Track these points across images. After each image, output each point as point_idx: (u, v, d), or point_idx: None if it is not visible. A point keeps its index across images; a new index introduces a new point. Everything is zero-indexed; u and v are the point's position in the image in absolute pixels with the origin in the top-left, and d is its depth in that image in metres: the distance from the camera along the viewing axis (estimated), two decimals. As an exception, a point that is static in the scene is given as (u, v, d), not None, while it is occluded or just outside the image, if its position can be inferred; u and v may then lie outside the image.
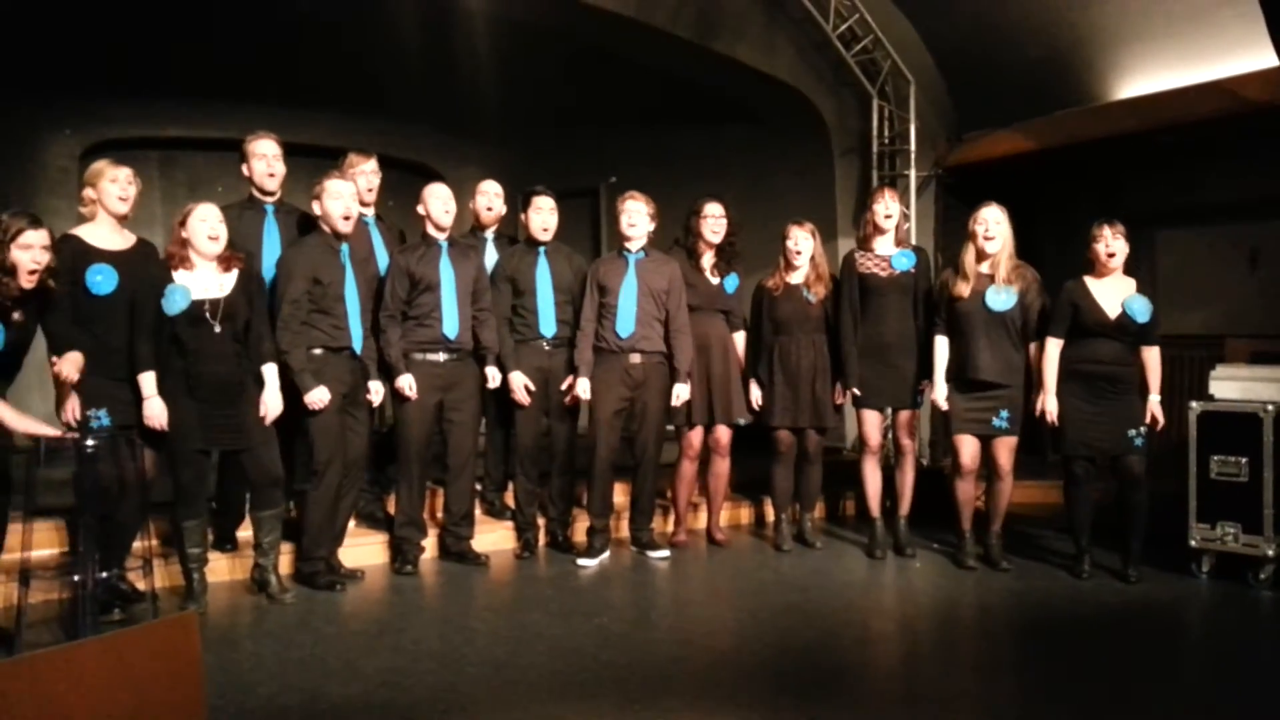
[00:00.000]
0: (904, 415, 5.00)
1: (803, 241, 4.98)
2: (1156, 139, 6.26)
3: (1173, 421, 4.54)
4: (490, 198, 5.03)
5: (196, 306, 3.76)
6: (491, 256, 4.97)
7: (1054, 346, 4.48)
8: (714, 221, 4.98)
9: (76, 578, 3.50)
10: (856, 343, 4.89)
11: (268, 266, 4.27)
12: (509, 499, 5.17)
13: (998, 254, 4.54)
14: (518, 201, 5.04)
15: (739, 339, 5.13)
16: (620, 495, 5.07)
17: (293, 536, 4.36)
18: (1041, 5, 6.46)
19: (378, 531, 4.82)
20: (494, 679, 3.22)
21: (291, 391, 4.03)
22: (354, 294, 4.22)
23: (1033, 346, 4.57)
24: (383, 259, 4.65)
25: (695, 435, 5.05)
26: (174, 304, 3.74)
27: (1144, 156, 6.59)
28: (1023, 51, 6.68)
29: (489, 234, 5.07)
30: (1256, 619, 4.09)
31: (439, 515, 4.92)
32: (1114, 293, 4.41)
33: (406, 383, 4.42)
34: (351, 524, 4.70)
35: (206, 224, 3.83)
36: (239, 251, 3.97)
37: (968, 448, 4.62)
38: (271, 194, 4.42)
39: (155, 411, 3.74)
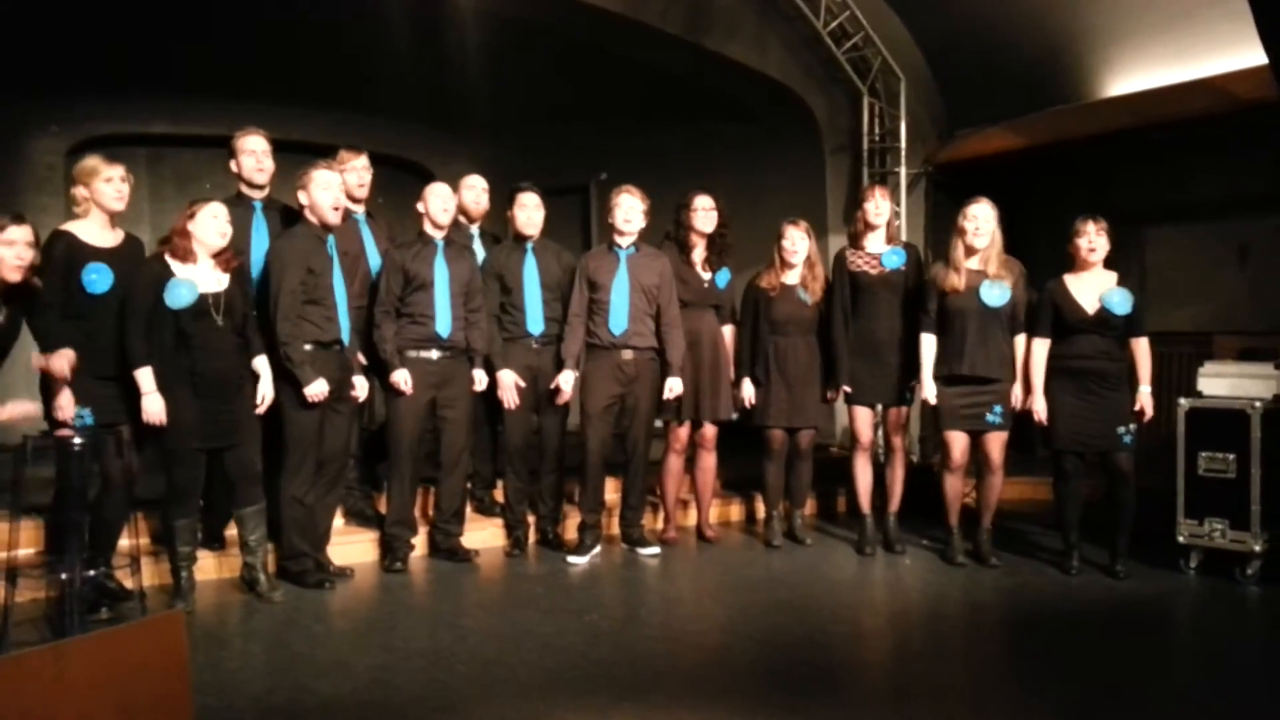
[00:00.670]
0: (894, 412, 5.00)
1: (799, 241, 4.97)
2: (1146, 136, 6.29)
3: (1161, 418, 4.55)
4: (477, 192, 5.04)
5: (201, 300, 3.75)
6: (477, 254, 4.95)
7: (1040, 347, 4.49)
8: (705, 213, 4.97)
9: (64, 576, 3.47)
10: (848, 340, 4.90)
11: (255, 262, 4.24)
12: (498, 496, 5.16)
13: (986, 249, 4.55)
14: (504, 198, 5.03)
15: (727, 332, 5.12)
16: (610, 492, 5.07)
17: (275, 534, 4.33)
18: (1032, 3, 6.47)
19: (367, 529, 4.80)
20: (484, 676, 3.21)
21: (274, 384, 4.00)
22: (341, 286, 4.19)
23: (1019, 344, 4.58)
24: (373, 256, 4.64)
25: (683, 430, 5.05)
26: (179, 297, 3.71)
27: (1134, 154, 6.61)
28: (1013, 49, 6.68)
29: (474, 229, 5.05)
30: (1243, 614, 4.11)
31: (429, 513, 4.91)
32: (1093, 288, 4.42)
33: (402, 378, 4.41)
34: (341, 521, 4.68)
35: (219, 220, 3.84)
36: (239, 251, 3.97)
37: (959, 443, 4.62)
38: (260, 190, 4.40)
39: (155, 408, 3.71)
